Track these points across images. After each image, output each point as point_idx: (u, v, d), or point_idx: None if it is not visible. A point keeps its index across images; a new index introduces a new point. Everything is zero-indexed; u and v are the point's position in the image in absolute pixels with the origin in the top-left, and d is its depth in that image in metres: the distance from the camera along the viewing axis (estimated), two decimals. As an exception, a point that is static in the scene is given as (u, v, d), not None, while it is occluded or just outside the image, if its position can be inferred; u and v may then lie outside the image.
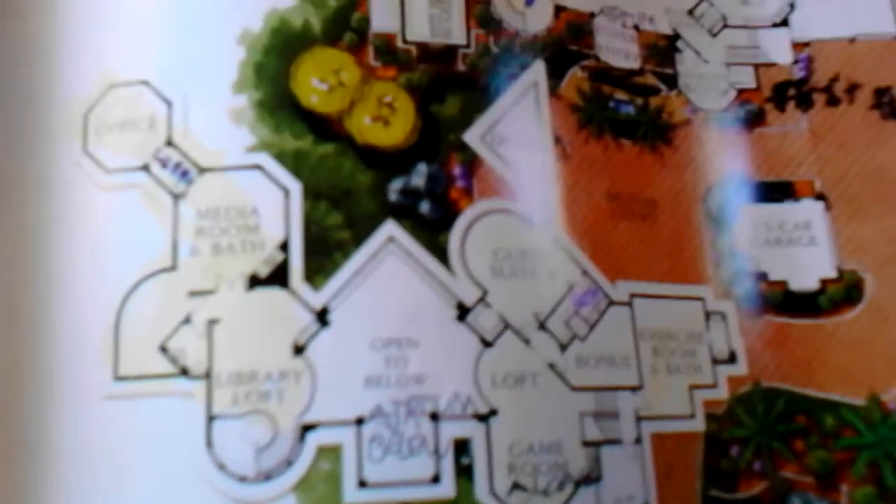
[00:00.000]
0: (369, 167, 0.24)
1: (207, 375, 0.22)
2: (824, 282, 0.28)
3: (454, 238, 0.24)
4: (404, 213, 0.24)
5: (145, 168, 0.24)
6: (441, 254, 0.23)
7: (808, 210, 0.29)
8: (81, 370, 0.22)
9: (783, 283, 0.28)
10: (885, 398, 0.27)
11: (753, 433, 0.26)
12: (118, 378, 0.22)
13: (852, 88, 0.30)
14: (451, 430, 0.22)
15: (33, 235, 0.23)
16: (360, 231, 0.23)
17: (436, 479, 0.22)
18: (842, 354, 0.27)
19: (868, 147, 0.30)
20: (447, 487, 0.22)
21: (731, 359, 0.27)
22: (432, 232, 0.24)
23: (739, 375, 0.27)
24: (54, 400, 0.22)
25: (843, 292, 0.28)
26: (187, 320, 0.22)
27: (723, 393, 0.26)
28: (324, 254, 0.23)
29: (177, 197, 0.23)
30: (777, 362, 0.27)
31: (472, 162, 0.25)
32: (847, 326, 0.28)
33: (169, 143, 0.24)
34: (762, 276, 0.28)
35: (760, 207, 0.29)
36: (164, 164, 0.24)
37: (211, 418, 0.22)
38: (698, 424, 0.25)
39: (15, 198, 0.23)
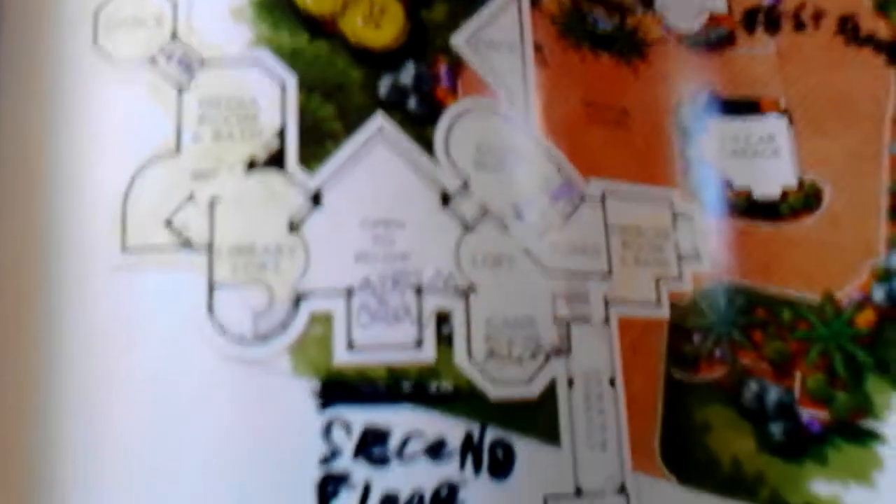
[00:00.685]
0: (361, 64, 0.26)
1: (209, 248, 0.24)
2: (785, 191, 0.30)
3: (439, 131, 0.25)
4: (393, 107, 0.25)
5: (152, 61, 0.25)
6: (427, 146, 0.25)
7: (772, 124, 0.31)
8: (91, 243, 0.24)
9: (747, 191, 0.30)
10: (838, 296, 0.29)
11: (715, 323, 0.28)
12: (125, 250, 0.24)
13: (818, 15, 0.32)
14: (434, 302, 0.24)
15: (47, 122, 0.25)
16: (351, 122, 0.25)
17: (418, 345, 0.24)
18: (800, 256, 0.29)
19: (831, 70, 0.32)
20: (428, 352, 0.24)
21: (696, 256, 0.29)
22: (419, 125, 0.25)
23: (703, 272, 0.29)
24: (66, 272, 0.24)
25: (803, 200, 0.30)
26: (190, 198, 0.24)
27: (687, 286, 0.28)
28: (317, 142, 0.25)
29: (181, 88, 0.25)
30: (739, 262, 0.29)
31: (457, 64, 0.26)
32: (805, 231, 0.30)
33: (174, 37, 0.25)
34: (727, 184, 0.30)
35: (727, 120, 0.31)
36: (169, 57, 0.25)
37: (212, 287, 0.24)
38: (663, 312, 0.27)
39: (31, 88, 0.25)
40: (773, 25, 0.32)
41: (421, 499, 0.23)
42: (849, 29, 0.32)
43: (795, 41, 0.32)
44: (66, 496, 0.23)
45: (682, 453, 0.27)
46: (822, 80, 0.32)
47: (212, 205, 0.24)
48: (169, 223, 0.24)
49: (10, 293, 0.24)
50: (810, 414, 0.28)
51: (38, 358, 0.24)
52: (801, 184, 0.30)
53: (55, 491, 0.23)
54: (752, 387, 0.28)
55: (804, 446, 0.28)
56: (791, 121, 0.31)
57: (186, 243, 0.24)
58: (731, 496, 0.27)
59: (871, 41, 0.32)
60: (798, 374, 0.28)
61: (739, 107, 0.31)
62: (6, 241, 0.25)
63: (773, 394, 0.28)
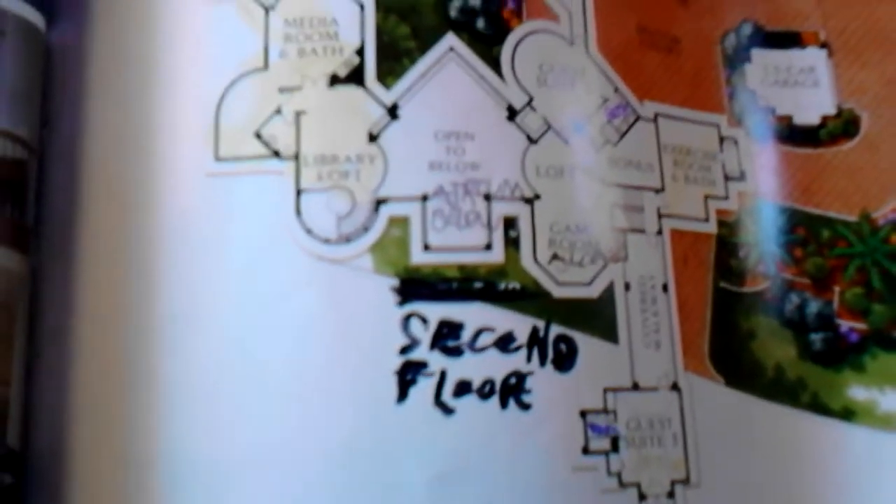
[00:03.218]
0: (433, -13, 0.27)
1: (296, 157, 0.26)
2: (825, 118, 0.32)
3: (506, 51, 0.27)
4: (463, 27, 0.27)
5: (239, -16, 0.27)
6: (494, 64, 0.27)
7: (812, 56, 0.32)
8: (186, 152, 0.26)
9: (789, 118, 0.32)
10: (874, 216, 0.31)
11: (759, 240, 0.30)
12: (219, 159, 0.26)
13: (856, -51, 0.34)
14: (502, 209, 0.26)
15: (145, 42, 0.27)
16: (425, 41, 0.27)
17: (488, 247, 0.26)
18: (838, 179, 0.31)
19: (869, 2, 0.33)
20: (497, 254, 0.26)
21: (741, 177, 0.30)
22: (486, 45, 0.27)
23: (748, 192, 0.30)
24: (163, 177, 0.26)
25: (842, 127, 0.32)
26: (278, 111, 0.26)
27: (733, 204, 0.30)
28: (393, 59, 0.27)
29: (267, 9, 0.27)
30: (781, 184, 0.31)
31: (521, -12, 0.28)
32: (843, 156, 0.31)
33: (258, -37, 0.27)
34: (770, 111, 0.32)
35: (770, 52, 0.32)
36: (254, -19, 0.27)
37: (299, 192, 0.26)
38: (711, 227, 0.29)
39: (128, 7, 0.27)
40: (813, -38, 0.34)
41: (492, 386, 0.25)
42: (886, -37, 0.33)
43: (834, -23, 0.34)
44: (160, 380, 0.25)
45: (730, 358, 0.29)
46: (860, 13, 0.33)
47: (297, 117, 0.26)
48: (258, 135, 0.26)
49: (109, 199, 0.26)
50: (848, 325, 0.30)
51: (134, 257, 0.26)
52: (839, 111, 0.32)
53: (151, 378, 0.25)
54: (794, 299, 0.30)
55: (843, 355, 0.30)
56: (830, 52, 0.32)
57: (275, 153, 0.26)
58: (775, 399, 0.29)
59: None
60: (836, 289, 0.30)
61: (781, 39, 0.32)
62: (107, 150, 0.27)
63: (814, 306, 0.30)
